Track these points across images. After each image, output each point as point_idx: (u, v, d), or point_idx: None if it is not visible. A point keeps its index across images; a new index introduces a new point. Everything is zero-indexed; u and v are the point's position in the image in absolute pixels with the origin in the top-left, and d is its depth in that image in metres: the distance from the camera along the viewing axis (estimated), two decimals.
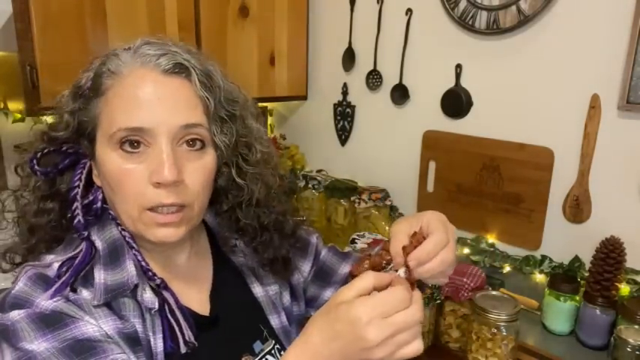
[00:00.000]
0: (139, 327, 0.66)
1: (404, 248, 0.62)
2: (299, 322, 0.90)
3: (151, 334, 0.66)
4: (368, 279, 0.56)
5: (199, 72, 0.66)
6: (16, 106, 1.60)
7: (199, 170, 0.67)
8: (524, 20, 1.43)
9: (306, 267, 0.90)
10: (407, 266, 0.61)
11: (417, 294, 0.56)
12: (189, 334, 0.67)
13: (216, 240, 0.82)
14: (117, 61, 0.65)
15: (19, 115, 1.65)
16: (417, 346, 0.54)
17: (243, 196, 0.74)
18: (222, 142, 0.69)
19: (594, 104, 1.35)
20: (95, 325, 0.62)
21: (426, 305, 1.29)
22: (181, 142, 0.65)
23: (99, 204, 0.70)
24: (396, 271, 0.62)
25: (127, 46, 0.67)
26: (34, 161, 0.68)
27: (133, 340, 0.64)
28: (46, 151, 0.68)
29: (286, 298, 0.85)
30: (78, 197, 0.68)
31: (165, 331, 0.67)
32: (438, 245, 0.61)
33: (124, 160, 0.63)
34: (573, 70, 1.39)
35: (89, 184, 0.70)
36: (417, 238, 0.63)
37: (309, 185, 2.08)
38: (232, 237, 0.80)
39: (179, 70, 0.65)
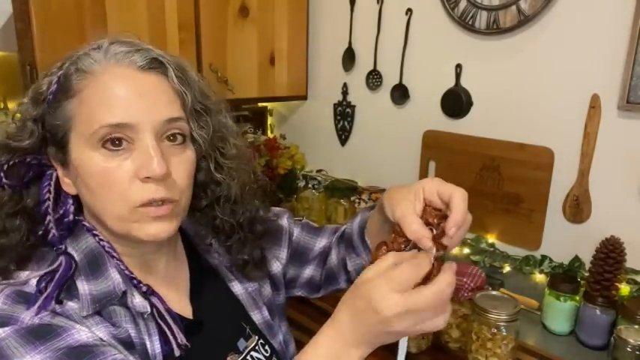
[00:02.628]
0: (132, 332, 0.65)
1: (432, 232, 0.60)
2: (283, 310, 0.90)
3: (146, 337, 0.65)
4: (388, 258, 0.57)
5: (174, 66, 0.67)
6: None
7: (184, 164, 0.67)
8: (524, 20, 1.43)
9: (282, 253, 0.90)
10: (439, 243, 0.59)
11: (448, 267, 0.56)
12: (181, 337, 0.66)
13: (190, 242, 0.82)
14: (88, 60, 0.63)
15: (19, 115, 1.65)
16: (439, 322, 0.55)
17: (222, 191, 0.75)
18: (200, 135, 0.70)
19: (594, 104, 1.35)
20: (88, 332, 0.60)
21: None
22: (164, 137, 0.65)
23: (70, 217, 0.67)
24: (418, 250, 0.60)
25: (95, 46, 0.66)
26: (2, 174, 0.64)
27: (127, 345, 0.64)
28: (11, 162, 0.64)
29: (267, 291, 0.85)
30: (50, 210, 0.65)
31: (159, 334, 0.66)
32: (466, 202, 0.60)
33: (107, 159, 0.62)
34: (573, 70, 1.39)
35: (56, 196, 0.68)
36: (429, 212, 0.61)
37: (309, 185, 2.08)
38: (208, 236, 0.80)
39: (155, 65, 0.65)
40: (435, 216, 0.61)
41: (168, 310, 0.68)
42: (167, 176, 0.63)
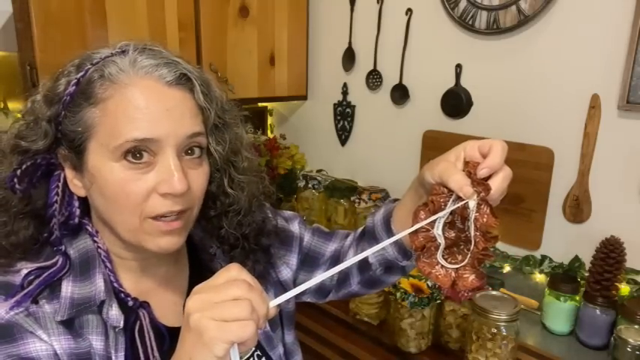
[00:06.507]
0: (99, 345, 0.64)
1: (469, 175, 0.59)
2: (292, 317, 0.89)
3: (113, 352, 0.65)
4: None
5: (200, 82, 0.66)
6: (16, 106, 1.60)
7: (201, 176, 0.67)
8: (524, 20, 1.43)
9: (293, 259, 0.88)
10: (480, 184, 0.58)
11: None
12: (156, 356, 0.66)
13: (194, 248, 0.81)
14: (114, 68, 0.62)
15: (19, 115, 1.65)
16: (237, 311, 0.49)
17: (232, 204, 0.74)
18: (217, 151, 0.70)
19: (594, 104, 1.35)
20: (45, 343, 0.61)
21: (426, 305, 1.29)
22: (184, 150, 0.65)
23: (76, 220, 0.67)
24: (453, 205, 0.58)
25: (117, 50, 0.65)
26: (15, 179, 0.63)
27: None
28: (24, 166, 0.63)
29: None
30: (56, 214, 0.65)
31: (128, 349, 0.65)
32: (503, 150, 0.60)
33: (128, 170, 0.61)
34: (573, 70, 1.39)
35: (62, 196, 0.67)
36: (471, 164, 0.60)
37: (309, 185, 2.08)
38: (212, 245, 0.79)
39: (182, 81, 0.65)
40: (476, 167, 0.60)
41: (153, 321, 0.68)
42: (186, 192, 0.63)
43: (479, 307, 1.19)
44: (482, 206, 0.58)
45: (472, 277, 0.59)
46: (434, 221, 0.60)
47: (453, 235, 0.61)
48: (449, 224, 0.61)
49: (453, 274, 0.60)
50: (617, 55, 1.29)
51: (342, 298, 0.93)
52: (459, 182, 0.59)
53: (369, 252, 0.58)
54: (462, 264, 0.60)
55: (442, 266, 0.60)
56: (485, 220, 0.58)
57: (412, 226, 0.60)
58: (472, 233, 0.59)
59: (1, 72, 1.62)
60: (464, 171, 0.60)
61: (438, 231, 0.60)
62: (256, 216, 0.78)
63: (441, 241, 0.60)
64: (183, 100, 0.64)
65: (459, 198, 0.59)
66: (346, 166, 2.09)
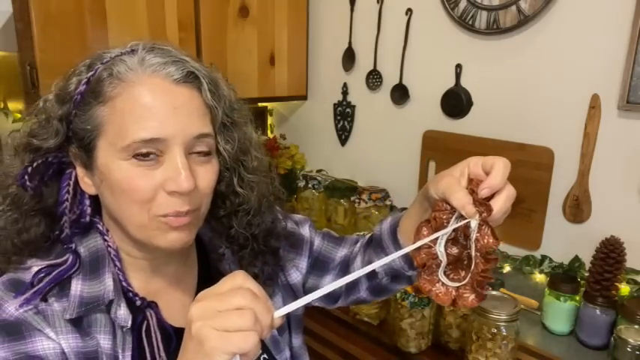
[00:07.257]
0: (107, 344, 0.64)
1: (472, 193, 0.58)
2: (300, 321, 0.89)
3: (120, 351, 0.65)
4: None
5: (208, 81, 0.66)
6: (16, 106, 1.60)
7: (208, 174, 0.67)
8: (524, 20, 1.43)
9: (303, 263, 0.88)
10: (482, 204, 0.57)
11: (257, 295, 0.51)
12: (162, 356, 0.66)
13: (203, 248, 0.81)
14: (123, 67, 0.63)
15: (19, 115, 1.65)
16: (240, 321, 0.48)
17: (241, 203, 0.74)
18: (226, 150, 0.70)
19: (594, 104, 1.35)
20: (53, 342, 0.61)
21: (426, 305, 1.29)
22: (191, 150, 0.65)
23: (87, 218, 0.68)
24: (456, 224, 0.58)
25: (127, 50, 0.65)
26: (26, 177, 0.64)
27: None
28: (35, 164, 0.64)
29: (278, 304, 0.82)
30: (67, 212, 0.66)
31: (135, 349, 0.66)
32: (506, 169, 0.59)
33: (136, 169, 0.62)
34: (573, 70, 1.39)
35: (74, 194, 0.68)
36: (475, 182, 0.60)
37: (309, 185, 2.08)
38: (221, 245, 0.79)
39: (190, 79, 0.65)
40: (479, 185, 0.60)
41: (160, 321, 0.68)
42: (193, 190, 0.63)
43: (479, 307, 1.19)
44: (484, 227, 0.58)
45: (472, 297, 0.59)
46: (436, 238, 0.60)
47: (456, 251, 0.60)
48: (452, 240, 0.60)
49: (454, 292, 0.60)
50: (617, 55, 1.29)
51: (351, 304, 0.92)
52: (462, 201, 0.58)
53: (376, 265, 0.57)
54: (463, 283, 0.59)
55: (443, 284, 0.60)
56: (485, 241, 0.58)
57: (414, 242, 0.60)
58: (473, 254, 0.59)
59: (1, 72, 1.62)
60: (467, 188, 0.60)
61: (440, 248, 0.60)
62: (266, 217, 0.77)
63: (443, 258, 0.60)
64: (191, 98, 0.64)
65: (461, 216, 0.59)
66: (346, 166, 2.09)
